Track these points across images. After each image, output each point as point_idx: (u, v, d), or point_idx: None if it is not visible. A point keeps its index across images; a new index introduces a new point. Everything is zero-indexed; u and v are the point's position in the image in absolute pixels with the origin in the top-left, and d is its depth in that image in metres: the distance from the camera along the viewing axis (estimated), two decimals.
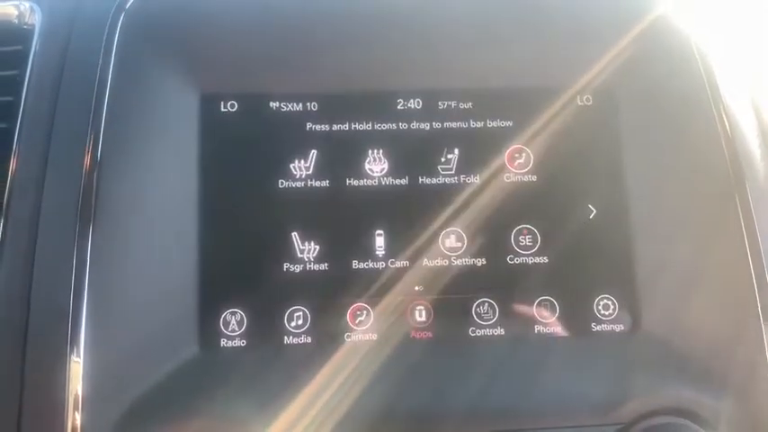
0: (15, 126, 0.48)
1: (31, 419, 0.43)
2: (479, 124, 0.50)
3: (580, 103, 0.51)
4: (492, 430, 0.43)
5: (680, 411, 0.43)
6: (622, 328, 0.48)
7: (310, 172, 0.49)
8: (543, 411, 0.44)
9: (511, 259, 0.48)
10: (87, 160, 0.47)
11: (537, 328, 0.48)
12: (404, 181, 0.49)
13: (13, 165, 0.48)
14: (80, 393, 0.42)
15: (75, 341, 0.43)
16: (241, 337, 0.46)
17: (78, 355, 0.43)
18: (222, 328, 0.46)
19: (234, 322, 0.46)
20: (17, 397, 0.43)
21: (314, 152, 0.49)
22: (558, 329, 0.48)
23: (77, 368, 0.43)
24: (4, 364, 0.43)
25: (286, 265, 0.47)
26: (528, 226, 0.49)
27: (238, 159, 0.49)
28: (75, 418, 0.42)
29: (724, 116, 0.50)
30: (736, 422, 0.43)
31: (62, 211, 0.46)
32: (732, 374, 0.45)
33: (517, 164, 0.50)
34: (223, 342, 0.46)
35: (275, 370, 0.45)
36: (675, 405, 0.43)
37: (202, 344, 0.46)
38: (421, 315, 0.48)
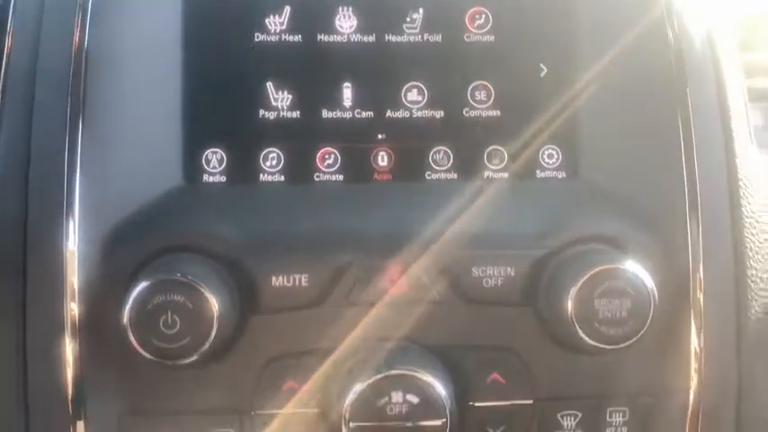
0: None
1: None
2: None
3: None
4: (441, 251, 0.49)
5: (605, 239, 0.49)
6: (564, 175, 0.53)
7: (284, 27, 0.53)
8: (485, 238, 0.49)
9: (466, 112, 0.53)
10: (77, 23, 0.51)
11: (486, 173, 0.53)
12: (371, 38, 0.53)
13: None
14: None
15: (71, 189, 0.49)
16: (221, 173, 0.52)
17: (73, 215, 0.49)
18: (204, 165, 0.52)
19: (215, 160, 0.52)
20: (21, 252, 0.49)
21: (288, 8, 0.53)
22: (505, 175, 0.53)
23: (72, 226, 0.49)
24: (8, 216, 0.49)
25: (261, 112, 0.52)
26: (483, 82, 0.54)
27: (218, 14, 0.53)
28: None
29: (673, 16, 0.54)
30: (651, 249, 0.49)
31: (56, 72, 0.51)
32: (652, 212, 0.51)
33: (477, 24, 0.54)
34: (205, 177, 0.52)
35: (252, 202, 0.51)
36: (601, 234, 0.49)
37: (187, 178, 0.51)
38: (383, 160, 0.53)
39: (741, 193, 0.53)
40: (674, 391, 0.51)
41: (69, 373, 0.49)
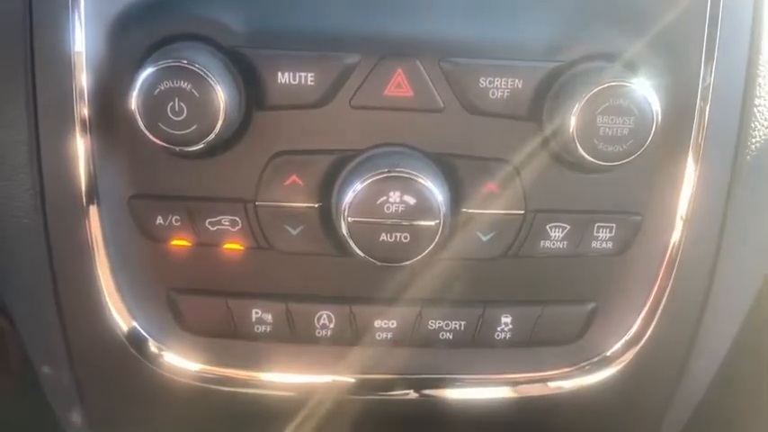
0: None
1: None
2: None
3: None
4: (450, 58, 0.48)
5: (617, 57, 0.48)
6: None
7: None
8: (496, 47, 0.48)
9: None
10: None
11: None
12: None
13: None
14: None
15: None
16: None
17: None
18: None
19: None
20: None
21: None
22: None
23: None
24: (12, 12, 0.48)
25: None
26: None
27: None
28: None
29: None
30: (663, 71, 0.49)
31: None
32: (670, 33, 0.49)
33: None
34: None
35: None
36: (614, 51, 0.48)
37: None
38: None
39: (765, 27, 0.51)
40: (663, 212, 0.53)
41: (81, 161, 0.51)
